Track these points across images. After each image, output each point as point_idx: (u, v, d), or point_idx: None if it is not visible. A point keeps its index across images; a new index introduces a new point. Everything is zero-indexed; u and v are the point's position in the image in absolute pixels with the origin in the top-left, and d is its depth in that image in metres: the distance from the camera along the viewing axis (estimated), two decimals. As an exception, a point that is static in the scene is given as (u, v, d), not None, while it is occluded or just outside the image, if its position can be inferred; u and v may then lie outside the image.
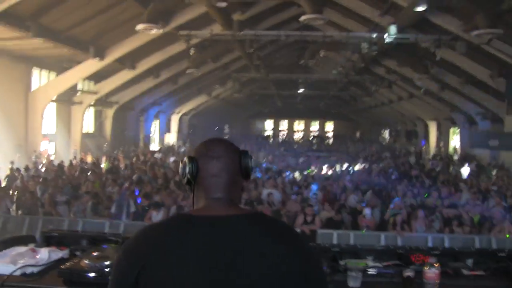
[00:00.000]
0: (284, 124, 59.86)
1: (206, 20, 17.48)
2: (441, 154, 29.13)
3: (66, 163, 17.85)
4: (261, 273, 1.43)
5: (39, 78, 22.02)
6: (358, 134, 54.26)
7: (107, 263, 2.62)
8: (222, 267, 1.41)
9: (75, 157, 20.57)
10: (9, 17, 13.62)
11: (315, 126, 59.54)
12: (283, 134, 56.55)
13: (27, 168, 15.81)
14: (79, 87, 23.50)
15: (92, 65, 18.93)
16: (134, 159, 21.76)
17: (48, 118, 22.30)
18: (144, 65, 21.17)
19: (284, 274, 1.44)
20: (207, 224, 1.48)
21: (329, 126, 59.19)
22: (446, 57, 17.23)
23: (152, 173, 15.76)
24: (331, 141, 49.49)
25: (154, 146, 33.02)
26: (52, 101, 21.38)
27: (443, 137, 31.98)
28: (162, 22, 15.59)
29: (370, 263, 3.15)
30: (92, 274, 2.56)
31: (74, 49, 17.57)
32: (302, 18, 14.55)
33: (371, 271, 3.03)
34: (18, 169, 15.13)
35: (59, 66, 21.36)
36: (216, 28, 17.64)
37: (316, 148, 36.32)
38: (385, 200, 11.61)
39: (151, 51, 20.06)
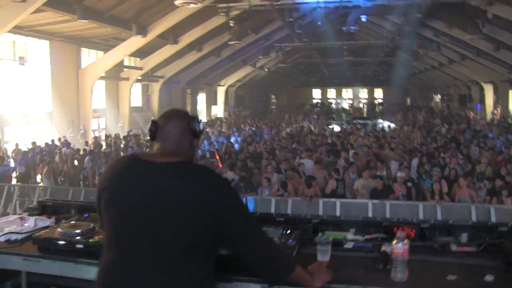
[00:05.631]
0: (332, 93, 58.92)
1: (244, -9, 17.41)
2: (497, 119, 27.77)
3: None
4: (168, 205, 1.86)
5: (88, 57, 22.88)
6: (408, 100, 52.71)
7: (77, 231, 2.70)
8: (141, 198, 1.88)
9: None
10: (57, 2, 14.37)
11: (363, 94, 58.25)
12: (331, 102, 55.72)
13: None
14: (125, 63, 24.17)
15: (135, 42, 19.45)
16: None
17: (98, 95, 23.19)
18: (186, 39, 21.46)
19: (186, 208, 1.85)
20: (143, 166, 1.96)
21: (378, 93, 57.70)
22: (499, 13, 16.16)
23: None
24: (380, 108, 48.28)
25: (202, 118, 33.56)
26: (101, 78, 22.25)
27: (500, 100, 30.12)
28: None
29: (351, 236, 2.95)
30: (62, 242, 2.65)
31: (117, 27, 18.13)
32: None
33: (347, 245, 2.82)
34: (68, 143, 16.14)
35: (105, 45, 22.08)
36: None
37: (365, 116, 35.65)
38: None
39: (192, 26, 20.28)
